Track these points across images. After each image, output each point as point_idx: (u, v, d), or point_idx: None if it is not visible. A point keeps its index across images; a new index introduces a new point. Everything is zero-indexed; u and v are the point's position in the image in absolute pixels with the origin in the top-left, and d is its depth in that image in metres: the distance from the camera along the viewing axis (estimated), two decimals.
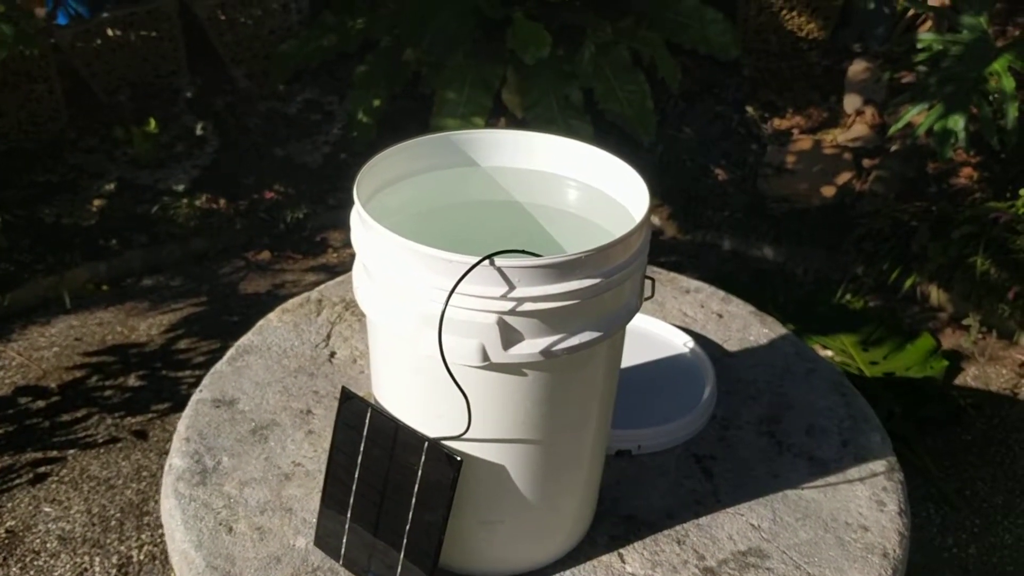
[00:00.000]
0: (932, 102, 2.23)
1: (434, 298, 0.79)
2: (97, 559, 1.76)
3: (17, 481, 1.92)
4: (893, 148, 2.90)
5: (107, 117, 2.96)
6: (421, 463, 0.87)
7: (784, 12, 3.22)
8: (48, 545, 1.78)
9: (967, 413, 2.14)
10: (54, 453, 1.99)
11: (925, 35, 2.37)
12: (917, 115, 2.29)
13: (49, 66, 2.82)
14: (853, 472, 1.12)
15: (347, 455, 0.92)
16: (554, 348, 0.82)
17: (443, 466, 0.86)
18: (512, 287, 0.79)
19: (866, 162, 2.93)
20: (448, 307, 0.79)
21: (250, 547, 0.99)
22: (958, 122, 2.16)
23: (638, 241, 0.85)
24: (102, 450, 2.00)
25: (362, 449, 0.91)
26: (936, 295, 2.48)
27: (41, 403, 2.12)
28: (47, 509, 1.86)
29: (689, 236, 2.80)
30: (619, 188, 0.94)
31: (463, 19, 2.82)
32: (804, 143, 3.03)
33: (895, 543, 1.03)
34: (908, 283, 2.49)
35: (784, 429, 1.18)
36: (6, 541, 1.79)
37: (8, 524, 1.82)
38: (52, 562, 1.75)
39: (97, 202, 2.71)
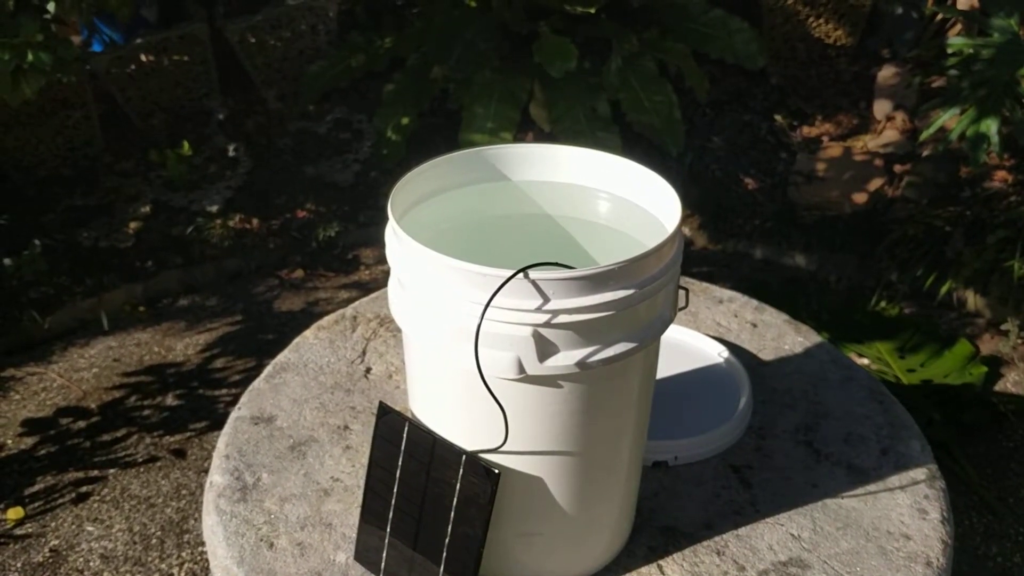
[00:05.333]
0: (964, 106, 2.21)
1: (469, 312, 0.80)
2: None
3: (60, 501, 1.95)
4: (925, 153, 2.87)
5: (142, 141, 3.01)
6: (459, 476, 0.88)
7: (811, 19, 3.21)
8: (91, 564, 1.81)
9: (1008, 420, 2.11)
10: (95, 473, 2.01)
11: (955, 39, 2.35)
12: (949, 120, 2.27)
13: (85, 92, 2.88)
14: (893, 480, 1.11)
15: (385, 470, 0.93)
16: (589, 360, 0.82)
17: (481, 479, 0.87)
18: (547, 300, 0.79)
19: (897, 168, 2.90)
20: (483, 320, 0.79)
21: (291, 562, 1.00)
22: (991, 126, 2.14)
23: (671, 251, 0.85)
24: (142, 469, 2.02)
25: (400, 463, 0.92)
26: (973, 300, 2.45)
27: (82, 423, 2.15)
28: (89, 528, 1.89)
29: (720, 246, 2.79)
30: (650, 199, 0.94)
31: (489, 35, 2.84)
32: (834, 150, 3.01)
33: (939, 552, 1.02)
34: (944, 289, 2.46)
35: (822, 438, 1.17)
36: (50, 560, 1.81)
37: (52, 543, 1.85)
38: None
39: (133, 225, 2.75)
